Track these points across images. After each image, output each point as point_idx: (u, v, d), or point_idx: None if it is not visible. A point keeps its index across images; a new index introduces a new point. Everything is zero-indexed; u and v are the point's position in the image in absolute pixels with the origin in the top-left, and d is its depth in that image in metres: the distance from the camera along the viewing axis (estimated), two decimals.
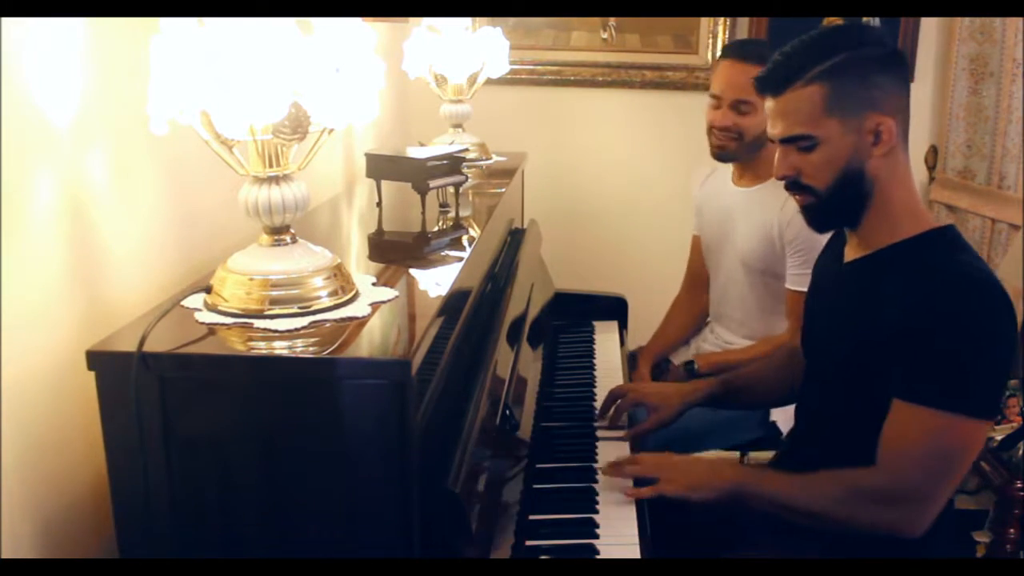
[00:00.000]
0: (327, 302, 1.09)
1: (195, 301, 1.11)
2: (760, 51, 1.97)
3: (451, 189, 1.66)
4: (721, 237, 2.12)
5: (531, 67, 2.90)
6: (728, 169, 2.13)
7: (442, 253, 1.47)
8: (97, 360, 0.99)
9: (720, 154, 2.04)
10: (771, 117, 1.35)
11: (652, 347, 2.32)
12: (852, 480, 1.31)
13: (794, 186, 1.36)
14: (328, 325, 1.06)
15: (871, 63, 1.30)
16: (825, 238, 1.56)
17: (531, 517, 1.39)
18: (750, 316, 2.10)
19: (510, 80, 2.62)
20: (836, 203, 1.34)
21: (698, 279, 2.31)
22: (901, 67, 1.34)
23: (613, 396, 1.74)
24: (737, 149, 2.01)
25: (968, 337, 1.24)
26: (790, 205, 1.90)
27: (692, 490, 1.38)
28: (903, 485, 1.28)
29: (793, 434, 1.68)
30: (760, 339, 2.09)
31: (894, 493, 1.28)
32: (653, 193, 2.98)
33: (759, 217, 2.00)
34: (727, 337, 2.17)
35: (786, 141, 1.34)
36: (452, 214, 1.66)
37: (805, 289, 1.89)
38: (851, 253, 1.43)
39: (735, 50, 2.02)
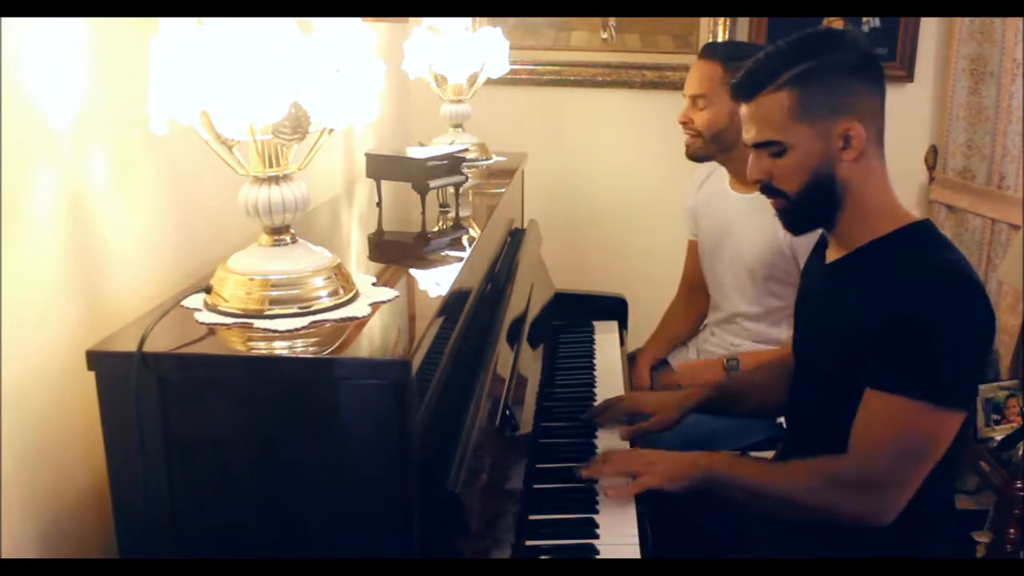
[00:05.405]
0: (327, 302, 1.09)
1: (195, 301, 1.11)
2: (727, 49, 1.98)
3: (451, 189, 1.65)
4: (721, 243, 2.10)
5: (531, 67, 2.90)
6: (723, 173, 2.12)
7: (442, 253, 1.47)
8: (97, 360, 0.99)
9: (689, 153, 2.04)
10: (745, 122, 1.38)
11: (649, 350, 2.30)
12: (822, 467, 1.33)
13: (767, 189, 1.39)
14: (328, 325, 1.06)
15: (841, 69, 1.31)
16: None
17: (531, 517, 1.39)
18: (759, 322, 2.09)
19: (510, 80, 2.61)
20: (807, 206, 1.37)
21: (695, 284, 2.30)
22: (874, 71, 1.35)
23: (609, 402, 1.74)
24: (701, 147, 2.01)
25: (939, 327, 1.25)
26: None
27: (669, 480, 1.39)
28: (871, 472, 1.29)
29: (786, 435, 1.68)
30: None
31: (862, 480, 1.29)
32: (653, 193, 2.97)
33: (764, 224, 1.96)
34: (733, 340, 2.15)
35: (758, 146, 1.36)
36: (452, 214, 1.66)
37: None
38: (832, 254, 1.44)
39: (701, 50, 2.05)
